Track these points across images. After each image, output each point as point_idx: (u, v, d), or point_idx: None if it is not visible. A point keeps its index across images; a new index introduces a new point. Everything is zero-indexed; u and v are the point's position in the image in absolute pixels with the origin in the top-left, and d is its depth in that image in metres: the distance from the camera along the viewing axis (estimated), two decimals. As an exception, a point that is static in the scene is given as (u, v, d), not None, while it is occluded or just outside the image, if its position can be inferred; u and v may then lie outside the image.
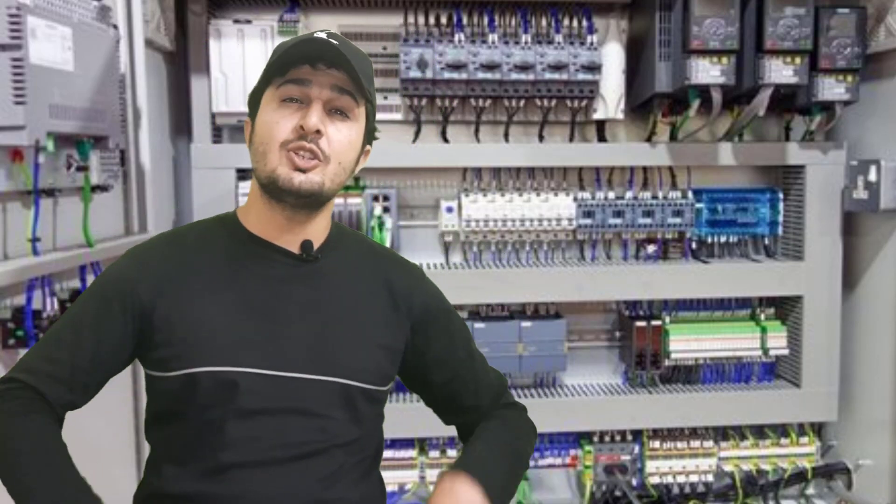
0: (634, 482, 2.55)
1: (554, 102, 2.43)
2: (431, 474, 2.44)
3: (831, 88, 2.31)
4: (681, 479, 2.54)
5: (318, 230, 1.19)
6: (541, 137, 2.50)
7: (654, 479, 2.54)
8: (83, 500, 1.01)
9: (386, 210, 2.39)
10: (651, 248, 2.54)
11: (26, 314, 1.52)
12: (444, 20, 2.43)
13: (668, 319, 2.51)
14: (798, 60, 2.25)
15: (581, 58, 2.34)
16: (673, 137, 2.50)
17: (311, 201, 1.14)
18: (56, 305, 1.61)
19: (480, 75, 2.31)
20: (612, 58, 2.42)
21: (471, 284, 2.38)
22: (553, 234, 2.47)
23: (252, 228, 1.18)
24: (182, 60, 2.42)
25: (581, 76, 2.34)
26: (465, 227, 2.42)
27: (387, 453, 2.42)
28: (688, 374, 2.58)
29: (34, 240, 1.54)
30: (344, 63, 1.10)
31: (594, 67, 2.35)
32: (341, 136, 1.13)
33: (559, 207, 2.42)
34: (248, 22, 2.29)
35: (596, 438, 2.53)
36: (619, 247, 2.56)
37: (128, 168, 2.03)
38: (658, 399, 2.48)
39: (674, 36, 2.27)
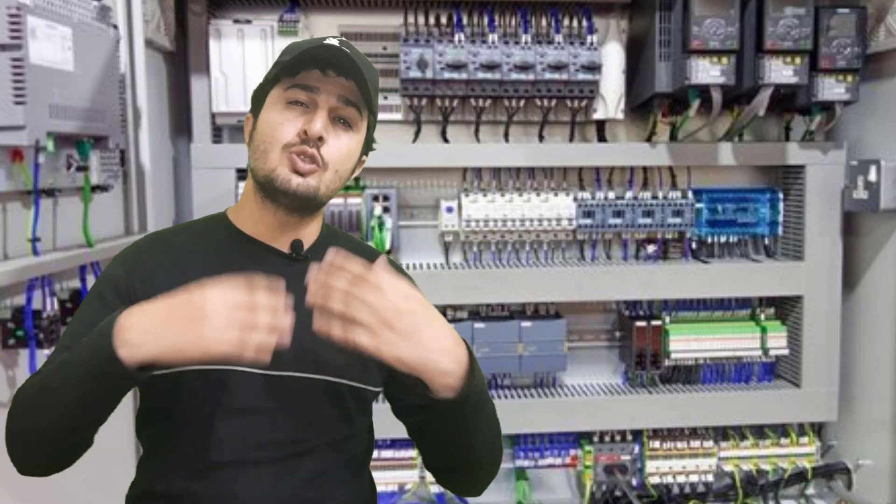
0: (634, 482, 2.55)
1: (554, 102, 2.43)
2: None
3: (831, 88, 2.31)
4: (681, 479, 2.54)
5: (309, 232, 1.20)
6: (541, 137, 2.50)
7: (654, 479, 2.54)
8: (104, 326, 0.98)
9: (386, 210, 2.39)
10: (651, 248, 2.54)
11: (26, 314, 1.52)
12: (444, 20, 2.43)
13: (668, 319, 2.51)
14: (798, 60, 2.25)
15: (581, 58, 2.34)
16: (673, 137, 2.50)
17: (305, 205, 1.14)
18: (56, 305, 1.61)
19: (480, 75, 2.31)
20: (612, 58, 2.42)
21: (471, 284, 2.38)
22: (553, 234, 2.47)
23: (244, 228, 1.19)
24: (182, 60, 2.41)
25: (581, 76, 2.34)
26: (465, 227, 2.42)
27: (387, 453, 2.43)
28: (688, 374, 2.58)
29: (34, 240, 1.54)
30: (355, 73, 1.11)
31: (594, 67, 2.35)
32: (341, 146, 1.14)
33: (559, 207, 2.42)
34: (248, 22, 2.29)
35: (596, 438, 2.53)
36: (619, 247, 2.56)
37: (128, 168, 2.03)
38: (658, 399, 2.48)
39: (674, 36, 2.27)
